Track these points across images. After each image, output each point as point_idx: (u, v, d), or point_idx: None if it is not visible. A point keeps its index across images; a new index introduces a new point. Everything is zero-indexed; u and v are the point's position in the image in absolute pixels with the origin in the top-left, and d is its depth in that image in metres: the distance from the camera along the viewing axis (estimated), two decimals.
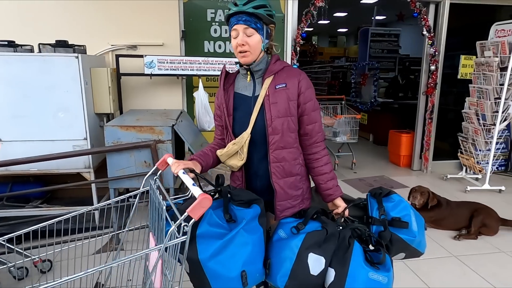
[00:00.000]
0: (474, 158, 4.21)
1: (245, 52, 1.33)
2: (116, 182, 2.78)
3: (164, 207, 1.20)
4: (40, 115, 2.92)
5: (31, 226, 1.42)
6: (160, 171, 1.46)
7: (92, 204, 3.21)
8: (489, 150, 4.07)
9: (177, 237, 1.08)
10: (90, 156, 3.02)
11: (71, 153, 2.73)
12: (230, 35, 1.38)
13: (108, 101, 3.28)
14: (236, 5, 1.32)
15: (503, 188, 4.12)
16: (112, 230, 2.85)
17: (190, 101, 4.02)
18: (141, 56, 3.48)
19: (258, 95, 1.38)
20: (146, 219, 1.51)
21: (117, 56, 3.51)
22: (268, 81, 1.38)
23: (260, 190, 1.45)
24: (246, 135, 1.37)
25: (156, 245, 1.25)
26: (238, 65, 1.45)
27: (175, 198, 1.35)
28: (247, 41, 1.32)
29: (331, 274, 1.22)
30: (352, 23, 11.48)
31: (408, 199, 3.21)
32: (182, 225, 1.06)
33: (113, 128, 2.71)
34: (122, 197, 1.56)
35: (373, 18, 8.98)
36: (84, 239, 1.68)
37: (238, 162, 1.41)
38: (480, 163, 4.20)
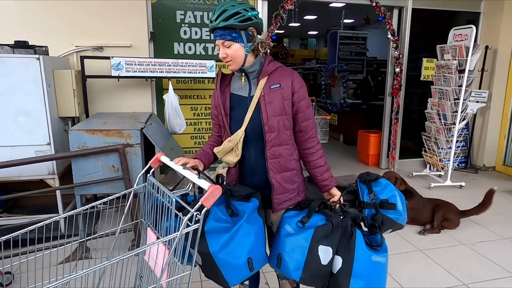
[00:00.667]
0: (436, 156, 4.42)
1: (229, 61, 1.44)
2: (82, 188, 2.68)
3: (174, 200, 1.27)
4: None
5: None
6: (153, 169, 1.53)
7: (57, 212, 3.08)
8: (450, 148, 4.28)
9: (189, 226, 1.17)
10: (54, 162, 2.90)
11: (33, 159, 2.61)
12: None
13: (73, 104, 3.16)
14: (211, 21, 1.40)
15: (463, 184, 4.35)
16: (79, 238, 2.76)
17: (160, 103, 3.96)
18: (108, 57, 3.38)
19: (254, 95, 1.46)
20: (115, 225, 1.52)
21: (82, 58, 3.39)
22: (262, 81, 1.46)
23: (257, 186, 1.54)
24: (240, 133, 1.46)
25: (158, 238, 1.35)
26: None
27: (174, 191, 1.44)
28: (227, 52, 1.41)
29: (339, 261, 1.37)
30: (322, 26, 11.73)
31: None
32: (195, 214, 1.15)
33: (79, 132, 2.61)
34: (97, 202, 1.52)
35: (341, 21, 9.23)
36: (48, 249, 1.60)
37: (233, 158, 1.51)
38: (442, 161, 4.42)
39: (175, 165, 1.41)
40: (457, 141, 4.26)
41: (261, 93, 1.45)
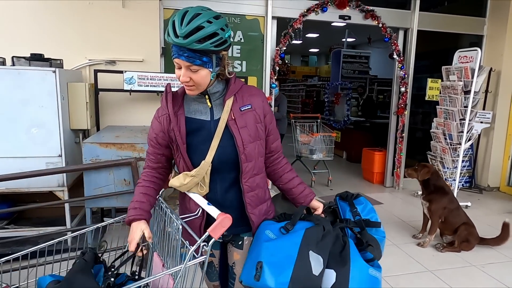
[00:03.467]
0: (442, 176, 4.43)
1: (191, 86, 1.19)
2: (93, 201, 2.67)
3: (180, 227, 1.17)
4: (11, 131, 2.77)
5: None
6: (163, 190, 1.41)
7: (64, 224, 3.06)
8: (456, 167, 4.30)
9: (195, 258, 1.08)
10: (64, 174, 2.90)
11: (45, 171, 2.61)
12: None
13: (85, 117, 3.18)
14: (175, 33, 1.09)
15: (469, 204, 4.35)
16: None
17: None
18: (120, 71, 3.42)
19: (220, 118, 1.24)
20: (124, 239, 1.44)
21: (96, 71, 3.44)
22: (229, 102, 1.24)
23: None
24: (206, 165, 1.23)
25: (163, 266, 1.25)
26: None
27: (182, 218, 1.30)
28: (192, 77, 1.16)
29: (331, 276, 1.15)
30: (324, 44, 11.95)
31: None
32: (202, 245, 1.06)
33: (92, 145, 2.62)
34: (110, 221, 1.47)
35: (344, 40, 9.40)
36: (55, 262, 1.57)
37: (199, 193, 1.28)
38: (448, 180, 4.43)
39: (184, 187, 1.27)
40: (462, 161, 4.28)
41: (230, 116, 1.23)
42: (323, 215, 1.43)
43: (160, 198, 1.40)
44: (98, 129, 3.49)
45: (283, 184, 1.44)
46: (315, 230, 1.19)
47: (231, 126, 1.23)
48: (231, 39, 1.22)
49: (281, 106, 4.90)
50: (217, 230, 1.07)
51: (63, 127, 2.91)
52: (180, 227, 1.18)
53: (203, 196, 1.29)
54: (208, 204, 1.20)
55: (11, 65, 2.89)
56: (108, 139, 2.77)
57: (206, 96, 1.26)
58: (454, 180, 4.35)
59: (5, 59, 2.94)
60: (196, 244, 1.08)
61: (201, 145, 1.25)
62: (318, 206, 1.44)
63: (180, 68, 1.16)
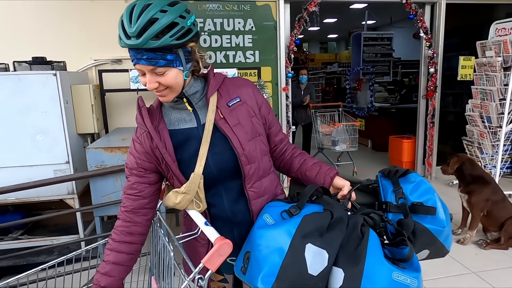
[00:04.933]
0: (481, 162, 4.03)
1: (163, 92, 0.99)
2: (101, 209, 2.54)
3: (172, 254, 0.99)
4: (16, 139, 2.67)
5: (10, 261, 1.19)
6: (161, 202, 1.20)
7: (77, 232, 2.96)
8: (496, 153, 3.89)
9: None
10: (73, 181, 2.78)
11: (50, 180, 2.49)
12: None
13: (92, 120, 3.05)
14: (125, 34, 0.89)
15: None
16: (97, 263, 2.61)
17: None
18: (126, 70, 3.26)
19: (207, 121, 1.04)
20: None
21: (100, 72, 3.30)
22: (213, 100, 1.05)
23: (240, 243, 1.06)
24: (197, 178, 1.02)
25: None
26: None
27: (181, 238, 1.09)
28: (160, 81, 0.96)
29: (338, 276, 0.89)
30: (342, 29, 11.43)
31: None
32: (197, 278, 0.87)
33: (96, 151, 2.47)
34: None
35: (365, 22, 8.91)
36: (70, 273, 1.44)
37: (197, 210, 1.08)
38: (487, 167, 4.02)
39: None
40: (504, 145, 3.86)
41: (218, 116, 1.03)
42: (353, 196, 1.12)
43: (158, 212, 1.21)
44: (107, 132, 3.36)
45: (295, 171, 1.21)
46: (317, 217, 0.93)
47: (222, 126, 1.03)
48: (198, 27, 0.99)
49: (313, 94, 5.03)
50: (213, 260, 0.87)
51: (69, 132, 2.78)
52: (172, 254, 0.98)
53: (205, 211, 1.08)
54: (206, 224, 0.99)
55: (12, 71, 2.79)
56: (114, 143, 2.62)
57: (184, 100, 1.05)
58: (495, 167, 3.94)
59: (7, 64, 2.84)
60: (190, 276, 0.88)
61: (194, 157, 1.03)
62: (342, 184, 1.13)
63: (144, 74, 0.96)
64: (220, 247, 0.87)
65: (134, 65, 0.94)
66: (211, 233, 0.94)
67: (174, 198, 1.04)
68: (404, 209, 1.07)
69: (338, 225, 0.93)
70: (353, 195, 1.11)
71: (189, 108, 1.06)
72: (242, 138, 1.04)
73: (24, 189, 2.42)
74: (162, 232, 1.08)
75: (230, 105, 1.06)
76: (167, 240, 1.04)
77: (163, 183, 1.19)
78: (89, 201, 2.67)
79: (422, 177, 1.16)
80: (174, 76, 0.96)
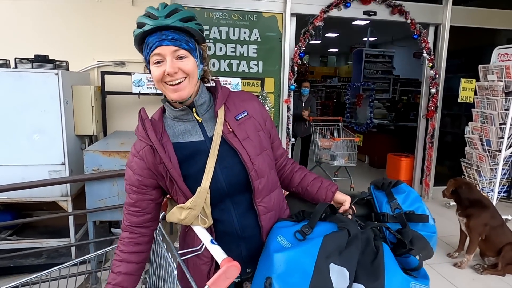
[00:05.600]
0: (478, 185, 4.02)
1: (180, 82, 0.95)
2: (96, 214, 2.47)
3: (175, 272, 0.94)
4: (12, 137, 2.61)
5: None
6: (163, 213, 1.17)
7: (68, 236, 2.88)
8: (494, 176, 3.89)
9: None
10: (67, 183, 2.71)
11: (45, 181, 2.42)
12: (146, 62, 0.98)
13: (91, 122, 3.00)
14: (153, 16, 0.92)
15: (509, 217, 3.93)
16: (91, 267, 2.53)
17: None
18: (129, 73, 3.23)
19: (214, 134, 1.02)
20: None
21: (103, 73, 3.25)
22: (221, 112, 1.03)
23: (250, 258, 1.06)
24: (204, 193, 0.98)
25: None
26: (166, 104, 1.05)
27: (183, 253, 1.05)
28: (180, 66, 0.93)
29: None
30: (344, 44, 11.54)
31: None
32: None
33: (94, 154, 2.42)
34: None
35: (365, 39, 9.00)
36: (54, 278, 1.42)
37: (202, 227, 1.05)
38: (485, 190, 4.02)
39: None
40: (502, 169, 3.86)
41: (227, 129, 1.01)
42: (350, 211, 1.17)
43: (159, 225, 1.17)
44: (105, 135, 3.31)
45: (295, 186, 1.22)
46: (336, 236, 0.94)
47: (231, 140, 1.00)
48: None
49: (313, 107, 5.03)
50: (220, 283, 0.82)
51: (67, 133, 2.73)
52: (175, 272, 0.93)
53: (211, 227, 1.04)
54: (212, 242, 0.94)
55: (14, 67, 2.74)
56: (112, 146, 2.57)
57: (194, 110, 1.02)
58: (492, 190, 3.93)
59: (9, 61, 2.79)
60: None
61: (201, 171, 0.99)
62: (344, 199, 1.16)
63: (160, 62, 0.94)
64: (227, 270, 0.83)
65: (153, 50, 0.92)
66: (218, 253, 0.90)
67: (178, 214, 0.99)
68: (401, 219, 1.12)
69: (354, 242, 0.93)
70: (354, 209, 1.15)
71: (198, 118, 1.03)
72: (251, 153, 1.01)
73: (18, 189, 2.34)
74: (165, 247, 1.04)
75: (238, 118, 1.04)
76: (170, 256, 0.99)
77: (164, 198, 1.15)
78: (83, 204, 2.60)
79: (410, 187, 1.23)
80: (193, 64, 0.96)
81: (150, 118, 1.06)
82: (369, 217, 1.21)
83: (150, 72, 0.99)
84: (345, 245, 0.92)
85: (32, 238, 2.94)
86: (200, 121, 1.03)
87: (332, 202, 1.15)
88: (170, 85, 0.95)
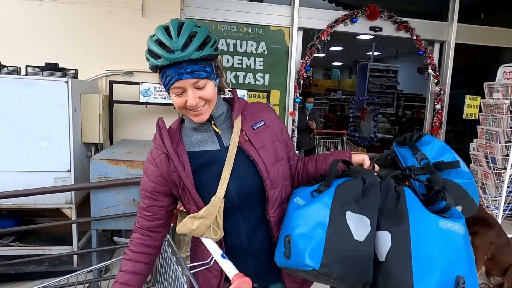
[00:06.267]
0: (483, 202, 4.00)
1: (202, 108, 0.97)
2: (100, 222, 2.47)
3: (185, 286, 0.94)
4: (20, 143, 2.63)
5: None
6: (172, 224, 1.18)
7: (71, 244, 2.86)
8: (500, 194, 3.87)
9: None
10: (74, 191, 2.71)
11: (50, 188, 2.43)
12: (166, 90, 0.98)
13: (98, 130, 3.01)
14: (167, 49, 0.90)
15: None
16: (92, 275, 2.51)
17: None
18: (137, 83, 3.26)
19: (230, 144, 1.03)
20: None
21: (111, 82, 3.29)
22: (237, 122, 1.04)
23: (257, 272, 1.06)
24: (218, 202, 0.97)
25: None
26: (185, 116, 1.06)
27: (192, 267, 1.05)
28: (201, 95, 0.95)
29: (385, 238, 0.86)
30: (348, 57, 11.62)
31: None
32: None
33: (101, 162, 2.43)
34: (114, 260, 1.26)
35: (369, 53, 9.08)
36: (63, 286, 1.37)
37: (212, 237, 1.03)
38: (489, 208, 3.99)
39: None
40: (508, 187, 3.84)
41: (243, 138, 1.02)
42: (375, 166, 1.09)
43: (168, 236, 1.17)
44: (111, 143, 3.32)
45: (314, 173, 1.19)
46: (349, 184, 0.91)
47: (247, 148, 1.01)
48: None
49: (317, 120, 5.06)
50: None
51: (74, 141, 2.74)
52: (185, 286, 0.93)
53: (221, 240, 1.03)
54: (222, 256, 0.94)
55: (24, 75, 2.77)
56: (118, 155, 2.57)
57: (212, 122, 1.04)
58: (497, 208, 3.90)
59: (19, 68, 2.83)
60: None
61: (213, 181, 1.00)
62: (361, 158, 1.10)
63: (181, 93, 0.95)
64: (239, 286, 0.83)
65: (173, 83, 0.92)
66: (229, 268, 0.90)
67: (190, 224, 0.99)
68: (429, 168, 1.04)
69: (372, 190, 0.90)
70: (376, 166, 1.08)
71: (217, 130, 1.04)
72: (267, 161, 1.02)
73: (23, 196, 2.35)
74: (175, 259, 1.03)
75: (255, 128, 1.05)
76: (180, 269, 0.98)
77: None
78: (86, 211, 2.60)
79: (435, 138, 1.17)
80: (212, 89, 0.97)
81: (168, 127, 1.07)
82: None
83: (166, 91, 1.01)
84: (361, 193, 0.90)
85: (34, 245, 2.93)
86: (219, 132, 1.05)
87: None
88: (197, 111, 0.98)
